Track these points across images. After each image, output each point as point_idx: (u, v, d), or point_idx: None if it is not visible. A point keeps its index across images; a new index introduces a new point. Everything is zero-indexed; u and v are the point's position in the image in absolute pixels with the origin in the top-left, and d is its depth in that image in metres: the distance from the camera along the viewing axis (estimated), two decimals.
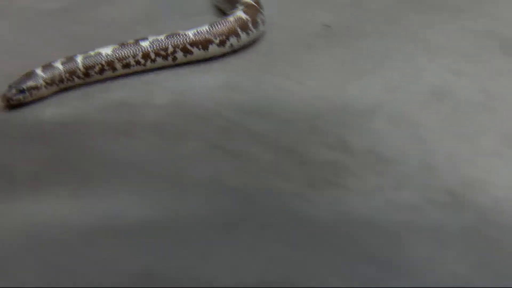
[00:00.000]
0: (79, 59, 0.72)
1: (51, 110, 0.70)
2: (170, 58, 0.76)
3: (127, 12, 0.94)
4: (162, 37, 0.76)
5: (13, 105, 0.68)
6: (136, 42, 0.75)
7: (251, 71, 0.76)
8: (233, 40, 0.77)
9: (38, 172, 0.61)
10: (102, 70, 0.73)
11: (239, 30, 0.78)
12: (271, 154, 0.61)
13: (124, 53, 0.74)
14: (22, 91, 0.68)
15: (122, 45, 0.74)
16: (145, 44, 0.75)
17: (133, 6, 0.96)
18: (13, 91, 0.68)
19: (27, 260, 0.49)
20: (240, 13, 0.78)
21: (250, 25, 0.79)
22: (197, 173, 0.59)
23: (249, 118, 0.66)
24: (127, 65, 0.74)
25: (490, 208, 0.53)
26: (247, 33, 0.79)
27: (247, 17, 0.79)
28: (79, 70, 0.72)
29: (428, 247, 0.49)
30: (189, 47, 0.76)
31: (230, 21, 0.78)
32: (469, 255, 0.48)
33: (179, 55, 0.76)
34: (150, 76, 0.76)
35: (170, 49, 0.75)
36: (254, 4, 0.81)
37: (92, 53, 0.73)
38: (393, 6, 0.92)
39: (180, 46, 0.75)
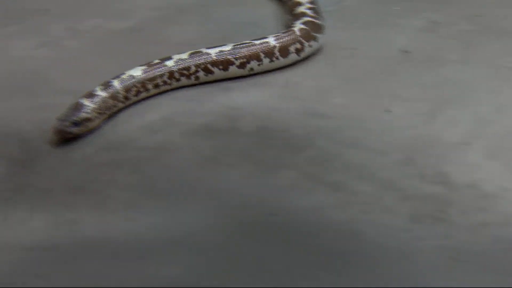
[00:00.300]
0: (116, 83, 0.72)
1: (135, 134, 0.70)
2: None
3: (192, 30, 0.94)
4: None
5: (67, 138, 0.67)
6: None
7: (335, 97, 0.76)
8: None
9: (129, 198, 0.61)
10: (138, 92, 0.74)
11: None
12: (371, 187, 0.60)
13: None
14: (76, 123, 0.67)
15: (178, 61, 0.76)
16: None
17: (195, 25, 0.96)
18: (67, 123, 0.66)
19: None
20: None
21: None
22: (298, 205, 0.59)
23: (342, 148, 0.66)
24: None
25: None
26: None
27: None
28: (120, 94, 0.72)
29: None
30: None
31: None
32: None
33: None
34: (228, 97, 0.76)
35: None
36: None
37: (124, 76, 0.73)
38: (466, 32, 0.91)
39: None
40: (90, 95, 0.69)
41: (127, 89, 0.72)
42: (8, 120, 0.73)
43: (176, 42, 0.87)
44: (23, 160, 0.66)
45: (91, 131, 0.68)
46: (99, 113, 0.69)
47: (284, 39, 0.79)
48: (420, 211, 0.57)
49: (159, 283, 0.50)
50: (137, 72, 0.73)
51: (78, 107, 0.68)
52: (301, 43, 0.80)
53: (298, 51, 0.80)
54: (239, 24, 0.93)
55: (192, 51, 0.77)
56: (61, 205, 0.60)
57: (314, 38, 0.82)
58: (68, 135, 0.66)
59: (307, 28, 0.81)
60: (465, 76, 0.79)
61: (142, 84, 0.73)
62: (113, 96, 0.70)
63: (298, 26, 0.82)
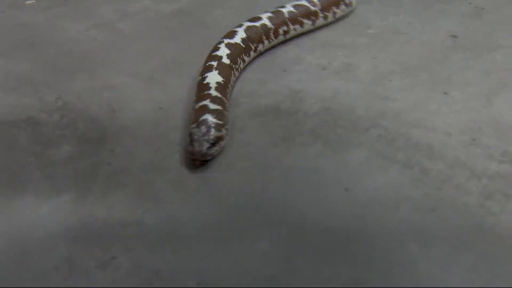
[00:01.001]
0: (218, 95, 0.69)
1: None
2: None
3: (237, 14, 0.95)
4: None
5: (206, 161, 0.63)
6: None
7: (393, 80, 0.78)
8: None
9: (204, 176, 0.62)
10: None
11: None
12: (442, 166, 0.62)
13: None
14: (213, 144, 0.62)
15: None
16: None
17: (240, 8, 0.97)
18: (206, 145, 0.61)
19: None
20: None
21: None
22: (373, 182, 0.60)
23: (409, 129, 0.67)
24: None
25: None
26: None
27: None
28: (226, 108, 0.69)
29: None
30: None
31: None
32: None
33: None
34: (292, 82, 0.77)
35: None
36: None
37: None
38: (511, 18, 0.92)
39: None
40: (215, 110, 0.66)
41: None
42: (74, 100, 0.74)
43: (224, 26, 0.87)
44: (93, 139, 0.67)
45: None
46: (227, 130, 0.66)
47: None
48: (490, 188, 0.59)
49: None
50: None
51: (206, 123, 0.63)
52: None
53: None
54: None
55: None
56: (139, 183, 0.61)
57: None
58: (209, 157, 0.62)
59: None
60: None
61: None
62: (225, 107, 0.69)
63: None
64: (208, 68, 0.73)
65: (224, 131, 0.64)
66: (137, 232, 0.55)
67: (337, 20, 0.91)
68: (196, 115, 0.65)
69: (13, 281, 0.49)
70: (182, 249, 0.53)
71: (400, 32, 0.89)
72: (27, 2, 1.00)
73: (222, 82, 0.71)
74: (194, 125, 0.63)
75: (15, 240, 0.54)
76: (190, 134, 0.63)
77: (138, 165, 0.64)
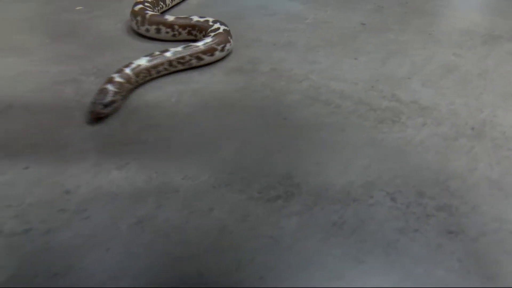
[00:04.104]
0: (128, 70, 0.63)
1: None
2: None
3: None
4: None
5: (99, 119, 0.57)
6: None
7: (320, 51, 0.76)
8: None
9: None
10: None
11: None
12: (350, 103, 0.61)
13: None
14: (106, 105, 0.57)
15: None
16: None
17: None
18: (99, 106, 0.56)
19: None
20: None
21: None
22: (301, 114, 0.60)
23: (329, 81, 0.67)
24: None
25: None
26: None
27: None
28: (132, 78, 0.63)
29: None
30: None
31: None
32: None
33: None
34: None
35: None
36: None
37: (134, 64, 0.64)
38: (402, 13, 0.92)
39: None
40: (112, 80, 0.61)
41: (137, 74, 0.64)
42: (103, 67, 0.72)
43: None
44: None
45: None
46: (123, 96, 0.60)
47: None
48: (382, 117, 0.59)
49: None
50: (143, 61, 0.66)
51: (104, 91, 0.58)
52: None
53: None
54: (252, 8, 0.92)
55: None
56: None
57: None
58: (101, 116, 0.57)
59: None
60: (403, 38, 0.80)
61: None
62: (128, 79, 0.63)
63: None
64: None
65: (119, 96, 0.58)
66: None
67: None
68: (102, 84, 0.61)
69: None
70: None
71: (326, 21, 0.87)
72: (76, 8, 0.98)
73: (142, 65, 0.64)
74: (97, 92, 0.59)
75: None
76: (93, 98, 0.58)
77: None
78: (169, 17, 0.78)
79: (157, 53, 0.67)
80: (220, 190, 0.47)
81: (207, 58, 0.69)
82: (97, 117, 0.57)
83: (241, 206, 0.45)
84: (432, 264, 0.39)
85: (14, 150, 0.52)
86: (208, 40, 0.70)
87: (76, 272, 0.38)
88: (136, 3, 0.83)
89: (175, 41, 0.78)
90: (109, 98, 0.57)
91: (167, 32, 0.78)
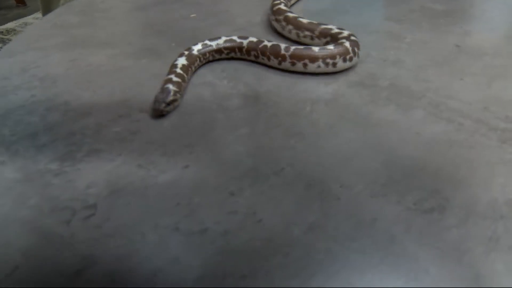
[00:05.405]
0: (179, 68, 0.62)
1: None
2: None
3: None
4: None
5: (162, 115, 0.56)
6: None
7: (429, 70, 0.72)
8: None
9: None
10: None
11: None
12: (471, 122, 0.58)
13: None
14: (168, 104, 0.56)
15: None
16: None
17: None
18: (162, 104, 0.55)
19: None
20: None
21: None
22: (431, 130, 0.57)
23: (446, 100, 0.64)
24: None
25: None
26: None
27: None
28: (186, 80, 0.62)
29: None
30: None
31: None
32: None
33: None
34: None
35: None
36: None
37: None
38: (493, 37, 0.87)
39: None
40: (171, 81, 0.59)
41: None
42: (235, 73, 0.71)
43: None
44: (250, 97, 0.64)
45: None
46: (181, 95, 0.59)
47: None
48: (504, 137, 0.55)
49: None
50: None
51: (165, 91, 0.57)
52: None
53: None
54: None
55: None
56: (287, 124, 0.58)
57: None
58: (164, 113, 0.56)
59: None
60: (498, 62, 0.75)
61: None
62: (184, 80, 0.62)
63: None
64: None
65: (179, 95, 0.58)
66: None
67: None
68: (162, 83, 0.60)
69: None
70: None
71: (425, 41, 0.83)
72: (190, 16, 0.98)
73: (186, 64, 0.65)
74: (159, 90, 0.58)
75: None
76: (155, 96, 0.57)
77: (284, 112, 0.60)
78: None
79: None
80: (378, 200, 0.45)
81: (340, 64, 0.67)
82: (159, 115, 0.56)
83: (402, 217, 0.43)
84: None
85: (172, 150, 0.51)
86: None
87: (264, 275, 0.37)
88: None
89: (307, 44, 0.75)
90: (170, 97, 0.56)
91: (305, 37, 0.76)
